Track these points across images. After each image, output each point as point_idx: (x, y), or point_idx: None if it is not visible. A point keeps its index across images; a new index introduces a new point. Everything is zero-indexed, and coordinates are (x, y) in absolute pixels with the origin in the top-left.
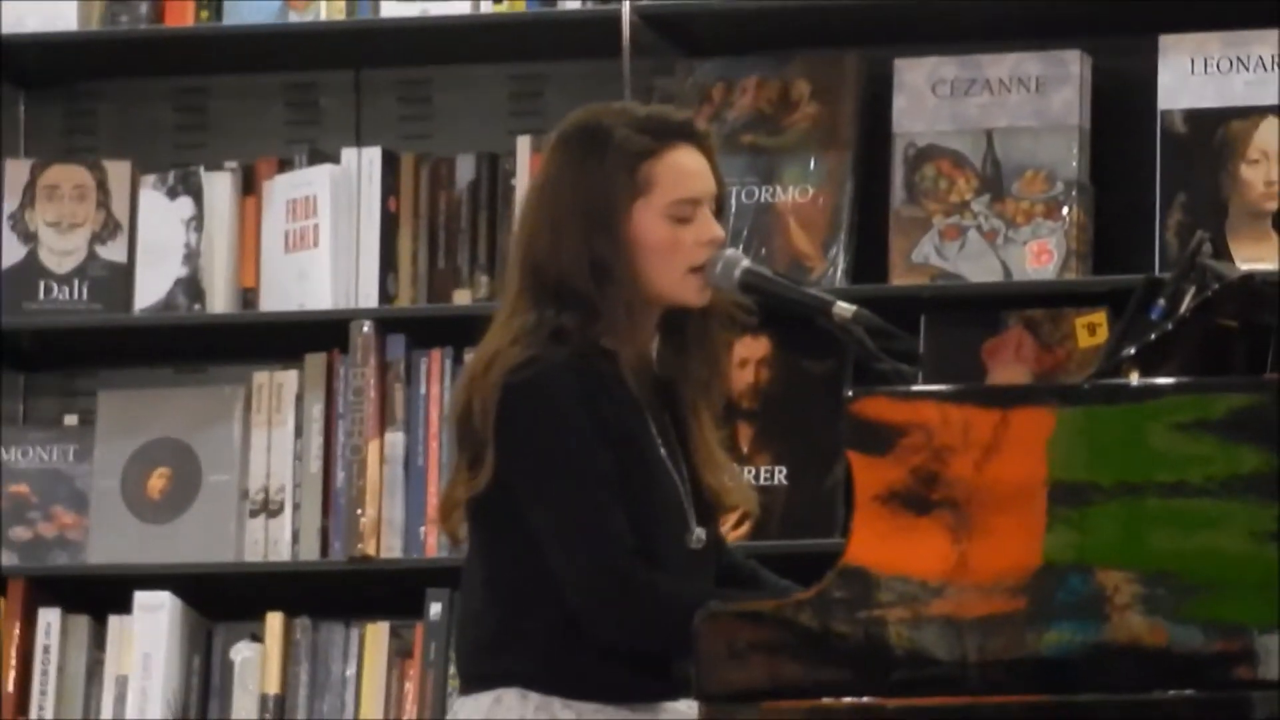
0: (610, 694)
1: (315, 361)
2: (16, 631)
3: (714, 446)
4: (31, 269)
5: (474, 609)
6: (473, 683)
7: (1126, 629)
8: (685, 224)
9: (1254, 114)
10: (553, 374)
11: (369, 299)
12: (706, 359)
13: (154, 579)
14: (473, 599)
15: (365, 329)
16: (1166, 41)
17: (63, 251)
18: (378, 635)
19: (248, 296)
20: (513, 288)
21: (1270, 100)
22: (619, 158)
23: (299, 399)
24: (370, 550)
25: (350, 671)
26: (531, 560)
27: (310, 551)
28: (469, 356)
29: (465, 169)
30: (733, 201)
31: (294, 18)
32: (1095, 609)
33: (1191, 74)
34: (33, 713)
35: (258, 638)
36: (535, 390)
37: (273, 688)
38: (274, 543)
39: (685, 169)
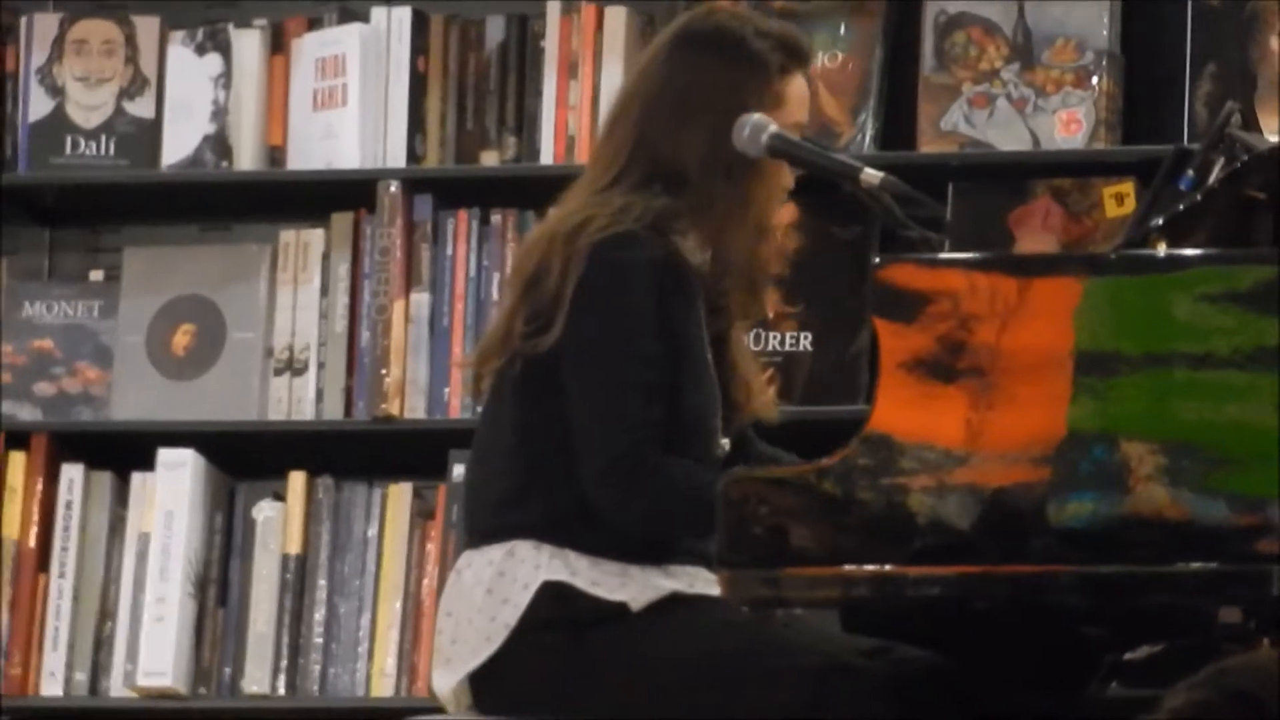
0: (620, 552)
1: (342, 220)
2: (39, 487)
3: (749, 360)
4: (59, 123)
5: (495, 464)
6: (484, 536)
7: (1149, 500)
8: None
9: None
10: (641, 258)
11: (396, 159)
12: (750, 286)
13: (177, 436)
14: (494, 454)
15: (392, 189)
16: None
17: (90, 106)
18: (400, 496)
19: (275, 155)
20: (615, 166)
21: None
22: (762, 69)
23: (325, 258)
24: (394, 410)
25: (372, 532)
26: (567, 421)
27: (334, 411)
28: (552, 213)
29: (495, 30)
30: None
31: None
32: (1118, 479)
33: None
34: (54, 569)
35: (280, 497)
36: (619, 267)
37: (294, 547)
38: (298, 401)
39: (805, 94)
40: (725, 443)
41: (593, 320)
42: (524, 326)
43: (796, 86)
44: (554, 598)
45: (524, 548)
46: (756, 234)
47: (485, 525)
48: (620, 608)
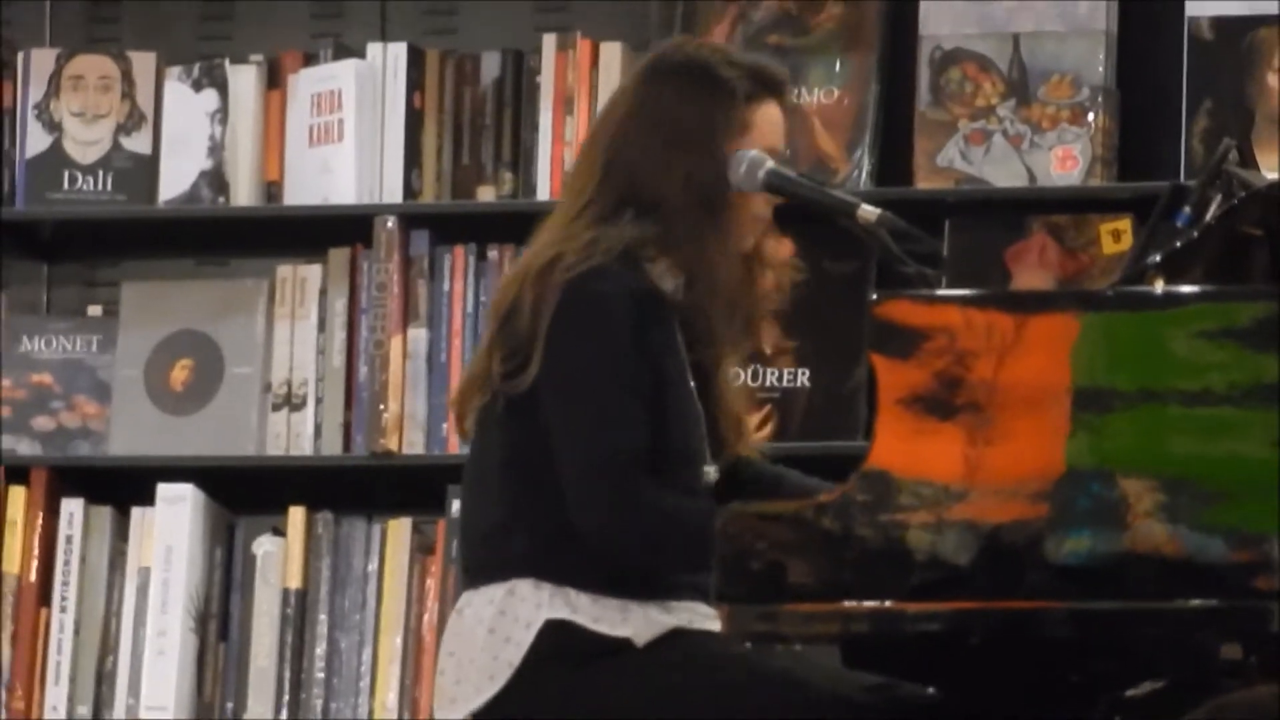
0: (620, 589)
1: (339, 256)
2: (39, 522)
3: (736, 396)
4: (56, 159)
5: (483, 497)
6: (481, 574)
7: (1146, 536)
8: None
9: None
10: (615, 290)
11: (393, 194)
12: (746, 321)
13: (176, 471)
14: (482, 488)
15: (389, 224)
16: None
17: (87, 142)
18: (399, 530)
19: (271, 190)
20: (585, 195)
21: None
22: (728, 96)
23: (322, 293)
24: (392, 445)
25: (372, 567)
26: (550, 454)
27: (333, 446)
28: (528, 250)
29: (491, 66)
30: None
31: None
32: (1116, 515)
33: None
34: (55, 603)
35: (280, 531)
36: (593, 301)
37: (294, 582)
38: (296, 436)
39: (777, 121)
40: (713, 470)
41: (571, 353)
42: (501, 366)
43: (765, 114)
44: (557, 635)
45: (524, 586)
46: (734, 261)
47: (479, 562)
48: (624, 643)
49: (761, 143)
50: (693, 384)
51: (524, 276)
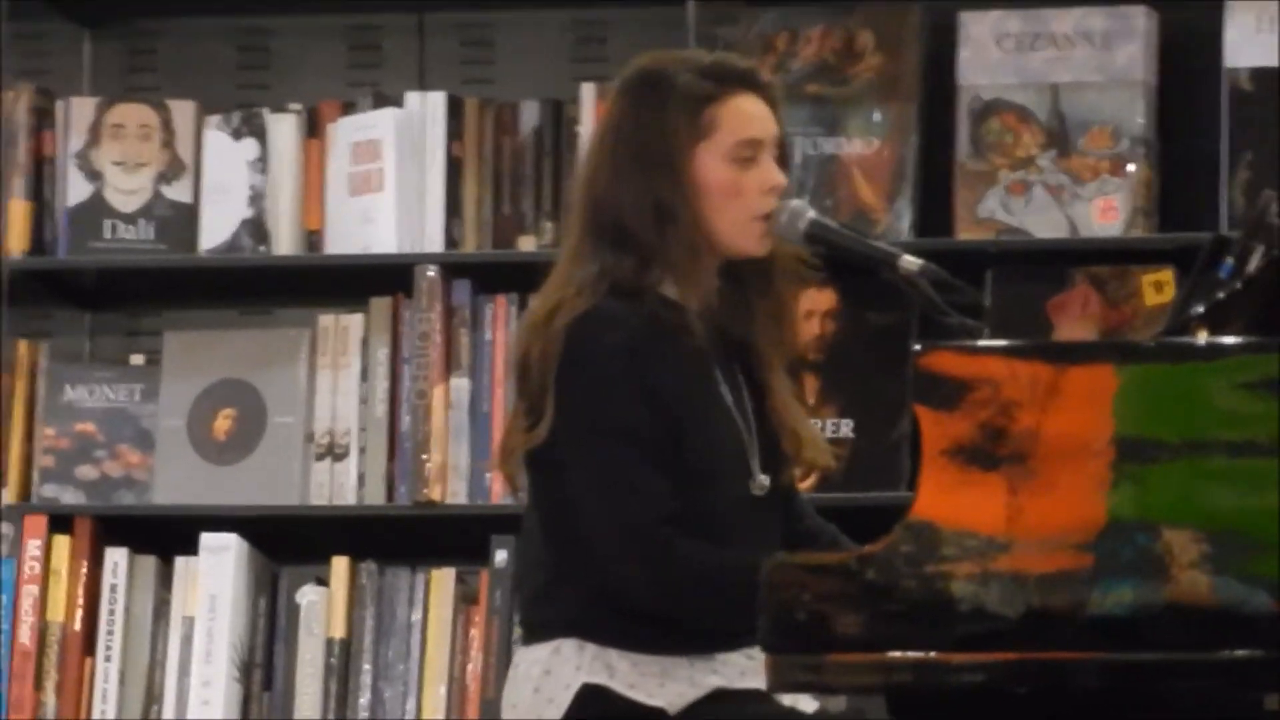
0: (666, 645)
1: (380, 305)
2: (84, 571)
3: (790, 400)
4: (97, 208)
5: (533, 557)
6: (532, 632)
7: (1190, 587)
8: (748, 168)
9: None
10: (608, 329)
11: (434, 244)
12: (772, 313)
13: (220, 520)
14: (532, 547)
15: (431, 273)
16: None
17: (128, 191)
18: (443, 581)
19: (312, 239)
20: (574, 235)
21: None
22: (682, 101)
23: (364, 342)
24: (435, 495)
25: (416, 617)
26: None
27: (376, 495)
28: (533, 302)
29: (529, 115)
30: (797, 152)
31: None
32: (1160, 567)
33: (1257, 32)
34: (99, 652)
35: (323, 581)
36: (589, 346)
37: (338, 632)
38: (339, 486)
39: (748, 113)
40: (764, 480)
41: (577, 407)
42: (524, 420)
43: (734, 108)
44: (593, 700)
45: (569, 646)
46: (725, 252)
47: (530, 620)
48: (658, 712)
49: (734, 137)
50: (729, 398)
51: (534, 327)
